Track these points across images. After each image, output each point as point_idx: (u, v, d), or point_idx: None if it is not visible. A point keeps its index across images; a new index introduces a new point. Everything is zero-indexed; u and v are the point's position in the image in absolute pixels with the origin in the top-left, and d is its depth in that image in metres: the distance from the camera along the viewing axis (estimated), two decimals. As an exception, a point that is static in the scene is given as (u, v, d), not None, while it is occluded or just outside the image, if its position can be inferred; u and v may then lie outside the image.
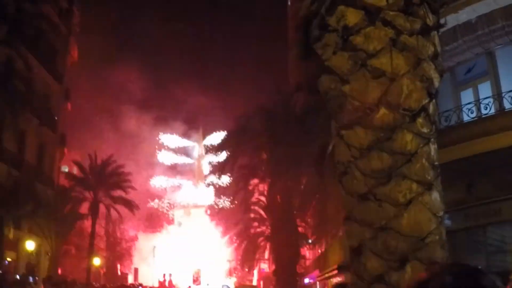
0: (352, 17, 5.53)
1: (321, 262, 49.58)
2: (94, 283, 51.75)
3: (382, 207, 5.34)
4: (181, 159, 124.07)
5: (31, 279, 20.38)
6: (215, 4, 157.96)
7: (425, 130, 5.46)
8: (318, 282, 51.04)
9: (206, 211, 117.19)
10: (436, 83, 5.64)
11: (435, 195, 5.46)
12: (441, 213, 5.50)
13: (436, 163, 5.55)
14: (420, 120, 5.43)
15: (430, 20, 5.69)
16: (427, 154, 5.44)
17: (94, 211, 54.50)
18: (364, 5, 5.50)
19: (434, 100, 5.64)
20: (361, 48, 5.47)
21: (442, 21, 6.03)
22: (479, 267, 2.49)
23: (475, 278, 2.32)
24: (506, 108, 19.18)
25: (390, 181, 5.33)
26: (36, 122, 46.13)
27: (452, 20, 17.55)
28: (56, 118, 54.64)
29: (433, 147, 5.54)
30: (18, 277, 32.67)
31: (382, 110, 5.37)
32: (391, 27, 5.46)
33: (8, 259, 42.57)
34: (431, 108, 5.57)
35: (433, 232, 5.36)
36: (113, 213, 57.15)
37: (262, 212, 46.22)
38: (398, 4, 5.48)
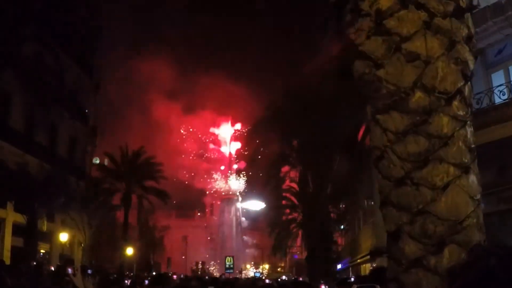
0: (385, 0, 5.51)
1: (353, 248, 49.62)
2: (128, 273, 52.18)
3: (419, 191, 5.33)
4: (211, 148, 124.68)
5: (70, 270, 20.55)
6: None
7: (461, 112, 5.43)
8: (350, 268, 51.10)
9: (237, 199, 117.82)
10: (471, 65, 5.62)
11: (472, 178, 5.44)
12: (478, 196, 5.48)
13: (472, 145, 5.53)
14: (455, 103, 5.40)
15: (463, 1, 5.66)
16: (463, 137, 5.42)
17: (126, 202, 55.01)
18: (397, -11, 5.49)
19: (469, 83, 5.61)
20: (394, 32, 5.45)
21: (475, 2, 6.00)
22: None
23: None
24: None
25: (427, 164, 5.32)
26: (67, 116, 46.55)
27: (482, 1, 17.41)
28: (86, 111, 55.14)
29: (469, 130, 5.52)
30: (52, 268, 32.99)
31: (418, 94, 5.36)
32: (424, 10, 5.44)
33: (42, 251, 43.15)
34: (466, 91, 5.55)
35: (471, 215, 5.34)
36: (145, 203, 57.67)
37: (293, 199, 46.25)
38: (430, -13, 5.46)
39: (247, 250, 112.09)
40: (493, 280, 2.22)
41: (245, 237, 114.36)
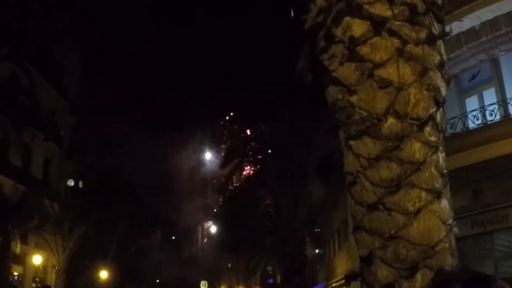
0: (358, 27, 5.56)
1: (328, 272, 49.52)
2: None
3: (391, 216, 5.35)
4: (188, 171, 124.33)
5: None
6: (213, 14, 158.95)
7: (433, 138, 5.47)
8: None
9: (212, 223, 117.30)
10: (443, 91, 5.66)
11: (444, 203, 5.47)
12: (450, 221, 5.50)
13: (444, 171, 5.56)
14: (428, 129, 5.44)
15: (436, 29, 5.71)
16: (435, 163, 5.45)
17: (100, 225, 54.48)
18: (370, 16, 5.52)
19: (441, 109, 5.65)
20: (367, 58, 5.49)
21: (447, 29, 6.06)
22: (488, 273, 2.49)
23: (485, 285, 2.32)
24: (511, 114, 19.19)
25: (399, 190, 5.34)
26: (41, 137, 46.21)
27: (456, 27, 17.56)
28: (61, 132, 54.76)
29: (441, 156, 5.55)
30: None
31: (390, 120, 5.39)
32: (397, 37, 5.48)
33: (15, 273, 42.60)
34: (438, 117, 5.59)
35: (443, 240, 5.36)
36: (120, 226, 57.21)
37: (268, 223, 46.17)
38: (403, 14, 5.51)
39: (222, 273, 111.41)
40: None
41: (221, 261, 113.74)
